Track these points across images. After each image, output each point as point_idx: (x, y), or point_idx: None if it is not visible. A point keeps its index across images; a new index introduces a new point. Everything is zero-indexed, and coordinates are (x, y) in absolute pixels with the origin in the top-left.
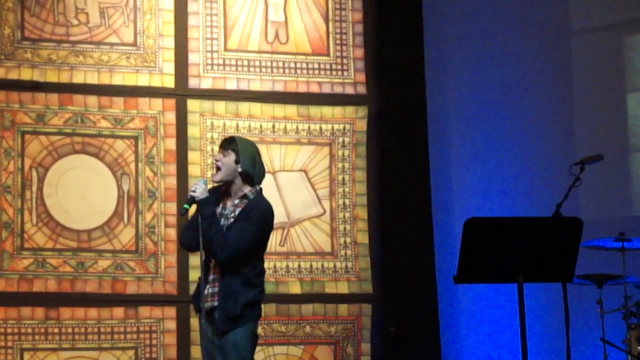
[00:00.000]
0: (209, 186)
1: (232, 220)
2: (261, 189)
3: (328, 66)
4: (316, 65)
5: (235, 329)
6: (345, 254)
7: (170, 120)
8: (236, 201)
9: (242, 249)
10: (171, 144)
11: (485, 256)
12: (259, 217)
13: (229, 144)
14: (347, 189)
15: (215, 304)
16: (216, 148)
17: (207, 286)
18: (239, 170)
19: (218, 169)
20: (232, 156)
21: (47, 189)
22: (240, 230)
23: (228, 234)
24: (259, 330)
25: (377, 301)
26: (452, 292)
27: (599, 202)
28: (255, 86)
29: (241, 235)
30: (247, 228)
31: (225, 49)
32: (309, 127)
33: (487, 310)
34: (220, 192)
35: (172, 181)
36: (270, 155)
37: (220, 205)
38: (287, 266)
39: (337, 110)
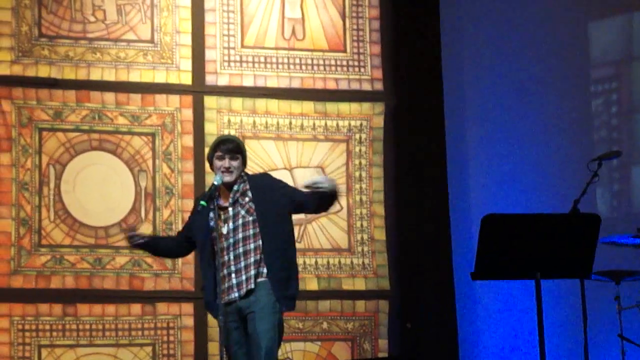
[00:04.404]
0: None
1: (250, 203)
2: None
3: (345, 62)
4: (333, 62)
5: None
6: (362, 250)
7: (187, 117)
8: (235, 187)
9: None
10: (188, 140)
11: (502, 252)
12: (279, 181)
13: (234, 149)
14: (364, 186)
15: (248, 288)
16: None
17: (232, 276)
18: (243, 167)
19: (230, 172)
20: (240, 159)
21: (64, 185)
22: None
23: (303, 193)
24: None
25: (394, 297)
26: (470, 289)
27: (616, 198)
28: (272, 83)
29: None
30: (290, 190)
31: (242, 46)
32: (325, 123)
33: (505, 306)
34: (215, 194)
35: (189, 178)
36: (287, 152)
37: (219, 207)
38: (304, 262)
39: (354, 107)
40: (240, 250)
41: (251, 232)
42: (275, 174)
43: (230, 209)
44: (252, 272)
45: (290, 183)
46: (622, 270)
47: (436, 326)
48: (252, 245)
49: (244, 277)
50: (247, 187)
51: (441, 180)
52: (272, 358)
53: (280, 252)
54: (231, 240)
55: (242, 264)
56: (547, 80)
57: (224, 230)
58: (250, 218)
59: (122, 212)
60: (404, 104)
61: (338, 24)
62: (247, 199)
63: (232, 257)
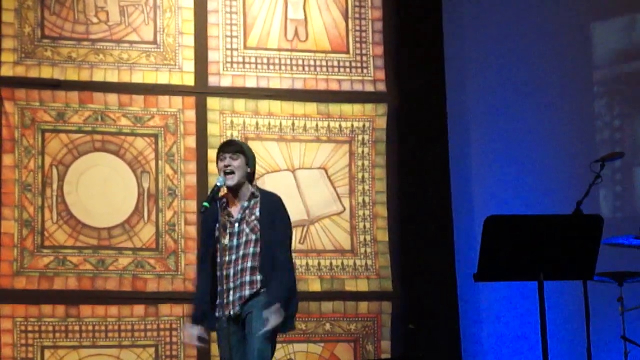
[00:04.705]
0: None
1: (255, 221)
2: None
3: (347, 64)
4: (336, 63)
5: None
6: (365, 251)
7: (190, 118)
8: (245, 203)
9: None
10: (191, 141)
11: (505, 254)
12: (285, 214)
13: (235, 149)
14: (366, 187)
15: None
16: None
17: (231, 292)
18: (248, 171)
19: (231, 173)
20: (242, 159)
21: (67, 186)
22: (281, 242)
23: (280, 261)
24: None
25: (397, 299)
26: (472, 290)
27: (619, 199)
28: (275, 84)
29: (288, 249)
30: (284, 233)
31: (245, 47)
32: (328, 124)
33: (508, 307)
34: (222, 202)
35: (192, 179)
36: (289, 153)
37: (226, 213)
38: (307, 264)
39: (357, 108)
40: (240, 267)
41: (251, 250)
42: (278, 175)
43: (236, 224)
44: (247, 292)
45: (294, 185)
46: (625, 272)
47: (439, 328)
48: (249, 264)
49: (238, 295)
50: (258, 203)
51: (444, 181)
52: (264, 358)
53: (277, 273)
54: (233, 257)
55: (239, 281)
56: (549, 81)
57: (228, 244)
58: (253, 237)
59: (124, 214)
60: (406, 105)
61: (341, 25)
62: (253, 217)
63: (231, 274)
